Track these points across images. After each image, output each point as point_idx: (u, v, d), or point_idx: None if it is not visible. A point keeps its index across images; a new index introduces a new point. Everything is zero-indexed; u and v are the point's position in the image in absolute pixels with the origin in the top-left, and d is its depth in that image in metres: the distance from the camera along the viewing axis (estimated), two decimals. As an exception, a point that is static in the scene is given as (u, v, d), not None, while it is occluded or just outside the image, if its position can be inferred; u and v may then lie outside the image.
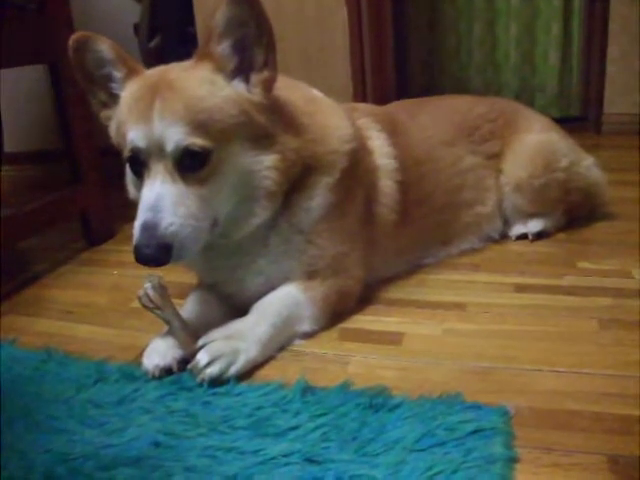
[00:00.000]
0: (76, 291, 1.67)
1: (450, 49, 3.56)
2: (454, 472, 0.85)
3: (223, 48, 1.16)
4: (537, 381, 1.08)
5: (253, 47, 1.16)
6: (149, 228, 1.04)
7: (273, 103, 1.22)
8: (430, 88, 3.47)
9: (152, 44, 2.69)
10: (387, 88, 2.72)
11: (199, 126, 1.11)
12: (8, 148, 2.60)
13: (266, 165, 1.19)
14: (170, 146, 1.10)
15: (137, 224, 1.07)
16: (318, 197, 1.30)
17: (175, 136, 1.09)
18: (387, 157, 1.51)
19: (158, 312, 1.18)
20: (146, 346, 1.20)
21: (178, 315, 1.20)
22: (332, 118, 1.38)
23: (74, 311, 1.48)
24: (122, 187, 1.28)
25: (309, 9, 2.29)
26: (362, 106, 1.73)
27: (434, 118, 1.73)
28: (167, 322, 1.19)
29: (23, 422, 1.03)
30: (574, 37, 3.33)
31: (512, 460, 0.88)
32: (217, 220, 1.17)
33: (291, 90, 1.32)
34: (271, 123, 1.20)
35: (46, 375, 1.18)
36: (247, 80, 1.18)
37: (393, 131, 1.58)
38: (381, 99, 2.13)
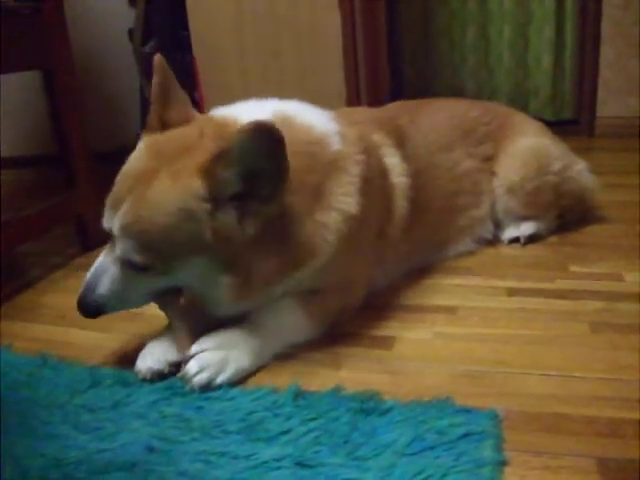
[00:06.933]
0: (71, 296, 1.63)
1: (444, 53, 3.57)
2: (444, 476, 0.86)
3: (229, 174, 1.07)
4: (527, 384, 1.09)
5: (263, 180, 1.09)
6: (89, 290, 1.16)
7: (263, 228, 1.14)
8: (424, 92, 3.47)
9: (146, 49, 2.70)
10: (381, 93, 2.73)
11: (149, 247, 1.09)
12: (3, 153, 2.61)
13: (220, 291, 1.16)
14: (118, 250, 1.11)
15: (86, 278, 1.17)
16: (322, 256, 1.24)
17: (123, 245, 1.10)
18: (401, 175, 1.50)
19: (164, 309, 1.20)
20: (140, 351, 1.20)
21: (182, 315, 1.21)
22: (337, 184, 1.26)
23: (68, 316, 1.47)
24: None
25: (303, 14, 2.29)
26: (366, 114, 1.68)
27: (434, 121, 1.74)
28: (170, 319, 1.20)
29: (18, 427, 1.03)
30: (567, 40, 3.34)
31: (502, 463, 0.88)
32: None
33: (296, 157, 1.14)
34: (246, 251, 1.13)
35: (41, 380, 1.18)
36: (244, 207, 1.11)
37: (400, 141, 1.56)
38: (375, 104, 2.13)
